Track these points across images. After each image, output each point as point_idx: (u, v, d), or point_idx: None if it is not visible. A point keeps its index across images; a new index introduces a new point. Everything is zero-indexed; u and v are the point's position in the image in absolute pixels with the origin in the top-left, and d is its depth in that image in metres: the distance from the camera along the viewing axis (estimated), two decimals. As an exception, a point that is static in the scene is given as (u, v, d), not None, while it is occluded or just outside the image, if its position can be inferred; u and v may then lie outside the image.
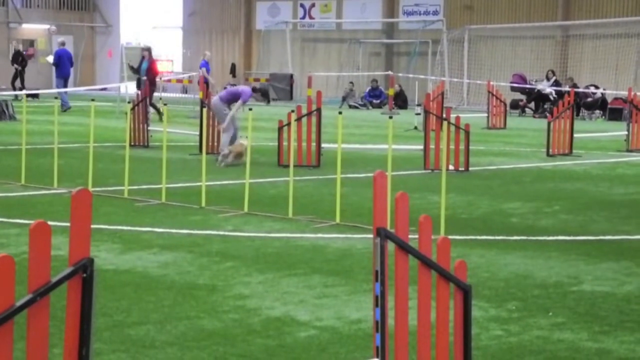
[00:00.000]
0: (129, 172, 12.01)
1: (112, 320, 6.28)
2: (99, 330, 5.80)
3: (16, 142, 16.64)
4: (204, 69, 32.13)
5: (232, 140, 16.65)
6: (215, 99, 17.07)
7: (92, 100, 13.35)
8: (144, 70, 26.11)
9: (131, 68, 26.78)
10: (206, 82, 30.11)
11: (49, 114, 25.43)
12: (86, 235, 3.49)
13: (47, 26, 50.36)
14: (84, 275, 3.47)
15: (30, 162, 13.51)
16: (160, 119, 24.46)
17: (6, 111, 25.98)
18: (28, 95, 26.50)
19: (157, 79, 32.81)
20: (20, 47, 38.09)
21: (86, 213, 3.49)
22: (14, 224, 9.85)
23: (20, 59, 34.75)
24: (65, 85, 30.69)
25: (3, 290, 3.23)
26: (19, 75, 34.78)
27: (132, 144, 17.04)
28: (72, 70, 31.58)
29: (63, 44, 31.94)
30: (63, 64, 30.57)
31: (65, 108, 30.01)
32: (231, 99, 16.83)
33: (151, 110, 22.53)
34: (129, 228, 9.80)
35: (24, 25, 50.57)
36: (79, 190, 3.51)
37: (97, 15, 53.19)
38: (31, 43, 51.13)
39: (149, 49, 27.02)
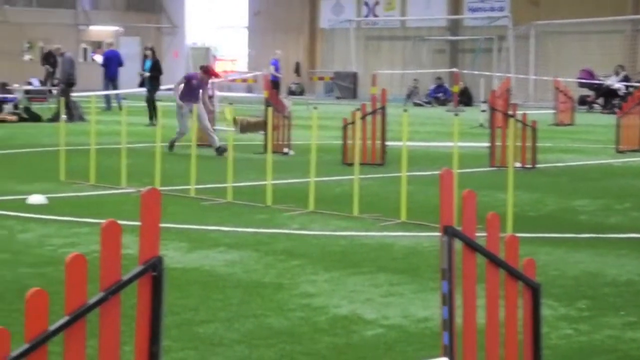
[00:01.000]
0: (195, 171, 12.10)
1: (180, 318, 6.33)
2: (168, 328, 5.85)
3: (85, 142, 16.88)
4: (272, 67, 32.14)
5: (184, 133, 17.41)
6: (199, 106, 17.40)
7: (159, 100, 13.51)
8: (148, 69, 26.24)
9: (140, 74, 27.08)
10: (274, 79, 30.26)
11: (117, 115, 25.75)
12: (156, 234, 3.53)
13: (114, 28, 51.04)
14: (154, 273, 3.51)
15: (99, 162, 13.70)
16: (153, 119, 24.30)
17: (75, 112, 26.34)
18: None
19: (222, 79, 33.04)
20: (52, 48, 38.05)
21: (155, 212, 3.53)
22: (84, 223, 9.99)
23: (52, 60, 35.02)
24: (114, 87, 30.97)
25: (76, 288, 3.28)
26: (50, 76, 35.07)
27: (199, 143, 17.17)
28: (119, 70, 31.76)
29: (111, 44, 32.32)
30: (111, 65, 30.87)
31: (106, 107, 30.34)
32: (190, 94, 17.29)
33: (217, 109, 22.65)
34: (195, 227, 9.88)
35: (92, 27, 51.31)
36: (148, 189, 3.55)
37: (164, 16, 53.74)
38: (99, 44, 51.88)
39: (152, 49, 27.16)
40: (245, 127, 17.51)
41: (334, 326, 6.23)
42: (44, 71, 35.26)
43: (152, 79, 25.93)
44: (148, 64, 26.37)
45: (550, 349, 5.69)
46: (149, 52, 26.78)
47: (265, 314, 6.51)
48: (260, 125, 17.83)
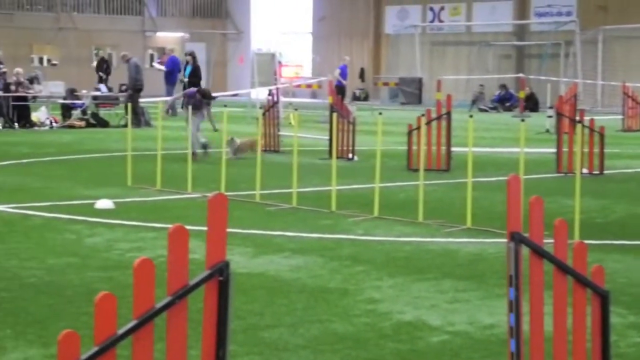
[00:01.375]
0: (260, 177, 12.17)
1: (246, 323, 6.37)
2: (233, 332, 5.87)
3: (151, 147, 17.06)
4: (338, 71, 32.08)
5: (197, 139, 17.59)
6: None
7: (225, 106, 13.60)
8: (188, 75, 26.20)
9: (181, 81, 27.11)
10: (339, 85, 30.23)
11: (182, 121, 25.97)
12: (222, 238, 3.55)
13: (180, 34, 51.55)
14: (221, 278, 3.53)
15: (165, 167, 13.84)
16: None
17: (142, 118, 26.63)
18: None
19: (287, 84, 33.11)
20: (106, 55, 38.29)
21: (222, 217, 3.55)
22: (151, 228, 10.10)
23: (105, 67, 35.30)
24: (172, 92, 31.18)
25: (144, 292, 3.32)
26: (104, 82, 35.46)
27: (264, 149, 17.27)
28: (178, 75, 31.96)
29: (172, 50, 32.48)
30: (173, 70, 31.02)
31: (172, 113, 30.47)
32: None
33: (282, 115, 22.74)
34: (260, 232, 9.93)
35: (159, 34, 51.89)
36: (215, 194, 3.57)
37: (229, 22, 54.14)
38: (164, 51, 52.46)
39: (192, 54, 27.07)
40: (240, 149, 17.77)
41: (399, 332, 6.21)
42: (97, 78, 35.72)
43: (191, 84, 25.61)
44: (188, 69, 26.40)
45: (619, 357, 5.61)
46: (189, 58, 26.80)
47: (330, 319, 6.51)
48: (253, 145, 18.05)
